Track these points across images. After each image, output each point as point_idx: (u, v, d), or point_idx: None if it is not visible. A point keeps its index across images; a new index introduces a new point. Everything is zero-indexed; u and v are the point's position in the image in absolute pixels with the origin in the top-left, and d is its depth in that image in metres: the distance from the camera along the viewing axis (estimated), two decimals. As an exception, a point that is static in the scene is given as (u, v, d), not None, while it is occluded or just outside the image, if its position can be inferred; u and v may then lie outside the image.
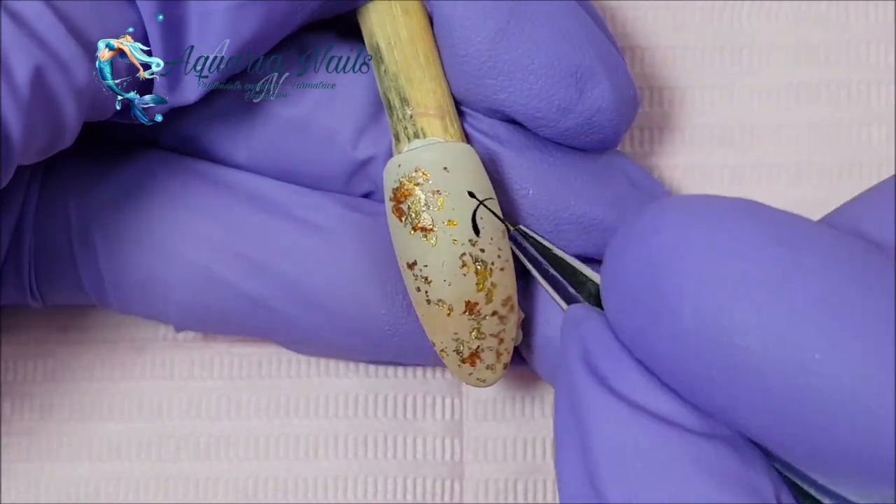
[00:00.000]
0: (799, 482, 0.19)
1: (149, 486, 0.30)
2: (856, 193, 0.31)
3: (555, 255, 0.25)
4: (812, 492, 0.19)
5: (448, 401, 0.30)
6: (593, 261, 0.27)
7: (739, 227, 0.18)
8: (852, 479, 0.17)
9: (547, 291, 0.24)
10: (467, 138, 0.27)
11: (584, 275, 0.24)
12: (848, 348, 0.16)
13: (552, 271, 0.24)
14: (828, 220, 0.20)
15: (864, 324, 0.17)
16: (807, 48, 0.31)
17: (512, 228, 0.26)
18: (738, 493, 0.18)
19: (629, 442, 0.19)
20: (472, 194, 0.25)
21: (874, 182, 0.31)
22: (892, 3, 0.31)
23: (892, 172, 0.30)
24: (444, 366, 0.29)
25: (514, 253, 0.26)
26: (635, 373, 0.20)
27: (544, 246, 0.25)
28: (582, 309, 0.22)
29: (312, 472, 0.30)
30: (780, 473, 0.19)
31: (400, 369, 0.30)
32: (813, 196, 0.31)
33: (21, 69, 0.22)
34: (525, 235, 0.25)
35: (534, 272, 0.25)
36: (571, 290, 0.24)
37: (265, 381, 0.31)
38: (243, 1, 0.24)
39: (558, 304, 0.24)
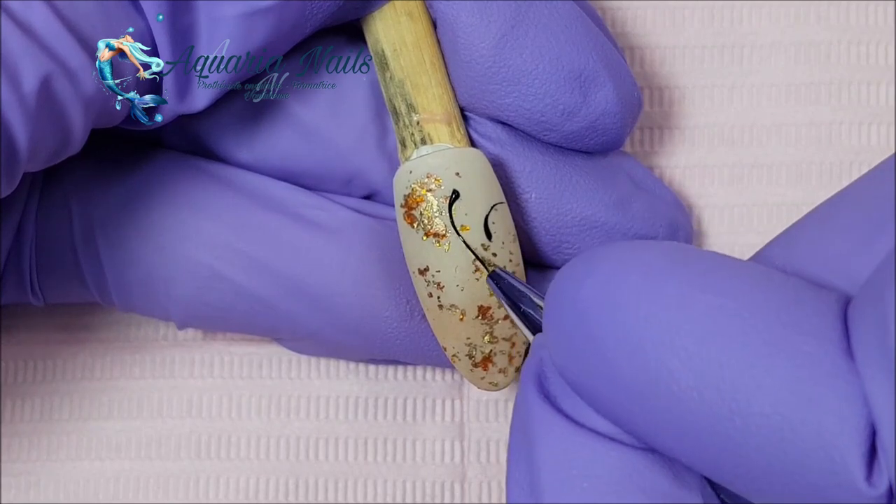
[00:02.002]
0: None
1: (149, 485, 0.30)
2: (856, 193, 0.31)
3: (528, 296, 0.25)
4: None
5: (449, 403, 0.30)
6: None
7: (665, 277, 0.18)
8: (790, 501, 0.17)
9: (521, 331, 0.25)
10: (472, 143, 0.27)
11: None
12: (774, 388, 0.17)
13: (526, 309, 0.25)
14: (759, 257, 0.20)
15: (791, 365, 0.17)
16: (807, 48, 0.31)
17: (490, 269, 0.26)
18: None
19: (570, 457, 0.19)
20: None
21: (874, 182, 0.31)
22: (893, 3, 0.31)
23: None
24: (445, 367, 0.29)
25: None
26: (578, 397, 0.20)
27: (519, 288, 0.25)
28: (543, 337, 0.22)
29: (313, 474, 0.30)
30: (715, 491, 0.20)
31: (401, 372, 0.30)
32: (813, 195, 0.31)
33: (29, 78, 0.22)
34: (502, 277, 0.25)
35: (510, 312, 0.25)
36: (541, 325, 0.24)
37: (265, 381, 0.31)
38: (254, 9, 0.24)
39: (528, 338, 0.25)
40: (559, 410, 0.20)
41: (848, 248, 0.19)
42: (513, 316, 0.25)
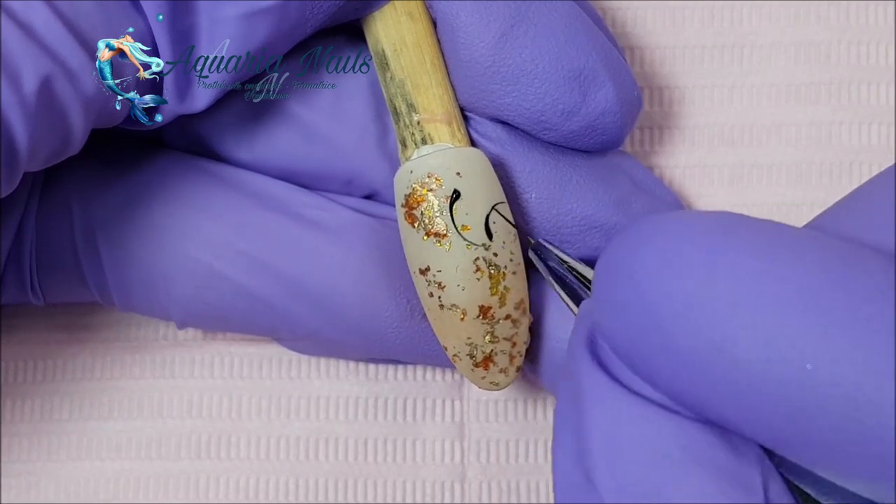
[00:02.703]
0: (799, 483, 0.19)
1: (149, 485, 0.30)
2: (856, 193, 0.31)
3: (573, 267, 0.25)
4: (811, 493, 0.19)
5: (449, 403, 0.30)
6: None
7: (724, 244, 0.18)
8: (857, 478, 0.17)
9: (566, 304, 0.25)
10: (472, 143, 0.27)
11: None
12: (845, 357, 0.16)
13: (571, 283, 0.24)
14: (813, 225, 0.20)
15: (858, 331, 0.17)
16: (807, 48, 0.31)
17: (533, 241, 0.26)
18: (722, 483, 0.18)
19: (623, 425, 0.19)
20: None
21: (874, 182, 0.31)
22: (893, 3, 0.31)
23: (893, 172, 0.30)
24: (445, 367, 0.29)
25: (534, 265, 0.26)
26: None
27: (563, 259, 0.25)
28: (592, 303, 0.22)
29: (313, 474, 0.30)
30: (777, 470, 0.19)
31: (401, 372, 0.30)
32: (813, 195, 0.31)
33: (29, 78, 0.22)
34: (545, 248, 0.25)
35: (554, 285, 0.25)
36: (585, 295, 0.24)
37: (265, 381, 0.31)
38: (254, 10, 0.24)
39: (571, 310, 0.24)
40: (612, 377, 0.20)
41: None
42: (556, 288, 0.25)
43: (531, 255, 0.26)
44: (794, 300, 0.17)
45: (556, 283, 0.25)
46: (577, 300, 0.24)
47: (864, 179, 0.31)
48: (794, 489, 0.19)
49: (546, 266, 0.25)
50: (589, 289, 0.24)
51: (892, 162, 0.30)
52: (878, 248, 0.18)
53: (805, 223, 0.31)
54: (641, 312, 0.18)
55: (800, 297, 0.17)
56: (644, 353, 0.19)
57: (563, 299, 0.25)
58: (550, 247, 0.25)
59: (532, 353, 0.27)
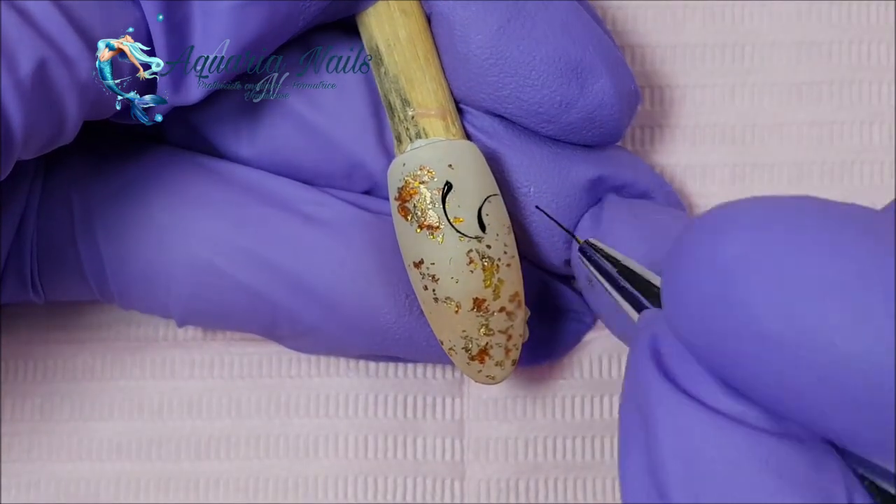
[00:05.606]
0: (887, 487, 0.18)
1: (149, 486, 0.30)
2: (856, 193, 0.31)
3: (626, 267, 0.24)
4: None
5: (449, 400, 0.30)
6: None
7: (814, 229, 0.17)
8: None
9: (618, 303, 0.23)
10: (468, 137, 0.27)
11: (655, 285, 0.23)
12: None
13: (623, 283, 0.23)
14: (888, 209, 0.19)
15: None
16: (808, 47, 0.31)
17: (581, 242, 0.25)
18: (806, 496, 0.17)
19: (697, 440, 0.18)
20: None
21: (875, 182, 0.31)
22: (893, 2, 0.31)
23: (893, 172, 0.30)
24: (444, 364, 0.29)
25: (584, 265, 0.25)
26: (705, 375, 0.19)
27: (615, 258, 0.24)
28: (654, 312, 0.22)
29: (313, 472, 0.30)
30: (861, 477, 0.18)
31: (401, 369, 0.30)
32: (814, 195, 0.31)
33: (25, 62, 0.22)
34: (595, 248, 0.24)
35: (605, 284, 0.24)
36: (644, 300, 0.23)
37: (265, 380, 0.31)
38: (246, 1, 0.24)
39: (629, 315, 0.23)
40: (682, 390, 0.19)
41: None
42: (609, 290, 0.24)
43: (578, 256, 0.25)
44: (889, 284, 0.16)
45: (611, 286, 0.24)
46: (632, 301, 0.23)
47: (865, 179, 0.31)
48: (861, 479, 0.19)
49: (596, 267, 0.24)
50: (645, 292, 0.23)
51: (893, 162, 0.30)
52: None
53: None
54: (729, 303, 0.17)
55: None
56: (729, 347, 0.18)
57: (619, 306, 0.23)
58: (601, 245, 0.24)
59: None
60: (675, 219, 0.28)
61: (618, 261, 0.24)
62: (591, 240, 0.25)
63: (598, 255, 0.24)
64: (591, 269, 0.24)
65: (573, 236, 0.26)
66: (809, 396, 0.17)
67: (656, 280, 0.23)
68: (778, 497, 0.17)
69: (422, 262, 0.25)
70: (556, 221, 0.26)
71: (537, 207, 0.25)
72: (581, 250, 0.25)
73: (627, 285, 0.23)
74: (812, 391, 0.17)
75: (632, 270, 0.23)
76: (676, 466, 0.18)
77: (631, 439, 0.20)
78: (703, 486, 0.18)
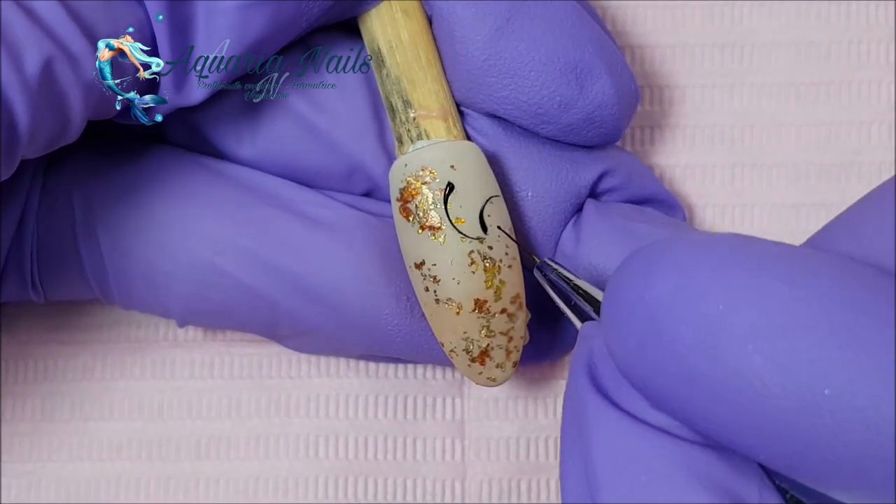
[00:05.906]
0: (798, 496, 0.19)
1: (149, 486, 0.30)
2: (856, 193, 0.31)
3: (579, 286, 0.24)
4: (797, 495, 0.19)
5: (450, 401, 0.30)
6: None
7: (738, 269, 0.18)
8: (873, 499, 0.17)
9: (572, 322, 0.24)
10: (468, 139, 0.27)
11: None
12: (867, 382, 0.16)
13: (576, 299, 0.24)
14: (812, 243, 0.20)
15: (880, 356, 0.16)
16: (807, 47, 0.31)
17: (538, 261, 0.25)
18: (723, 499, 0.18)
19: (625, 448, 0.19)
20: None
21: (874, 182, 0.31)
22: (893, 2, 0.31)
23: (893, 172, 0.30)
24: (445, 365, 0.29)
25: (539, 283, 0.26)
26: (633, 390, 0.20)
27: (568, 278, 0.25)
28: (593, 327, 0.22)
29: (313, 473, 0.30)
30: (782, 490, 0.19)
31: (401, 370, 0.30)
32: (813, 195, 0.31)
33: (31, 60, 0.22)
34: (550, 268, 0.25)
35: (559, 303, 0.25)
36: (593, 314, 0.24)
37: (265, 381, 0.31)
38: (250, 1, 0.24)
39: (575, 325, 0.24)
40: (613, 403, 0.20)
41: None
42: (563, 308, 0.24)
43: (536, 274, 0.25)
44: (811, 323, 0.17)
45: (563, 302, 0.24)
46: (584, 319, 0.24)
47: (865, 179, 0.31)
48: (782, 491, 0.19)
49: (551, 285, 0.25)
50: (596, 309, 0.24)
51: (893, 162, 0.30)
52: (885, 269, 0.18)
53: (805, 223, 0.31)
54: (656, 338, 0.18)
55: (819, 320, 0.17)
56: (658, 378, 0.19)
57: (570, 320, 0.24)
58: (556, 265, 0.25)
59: None
60: (656, 227, 0.28)
61: (570, 280, 0.25)
62: (547, 259, 0.25)
63: (554, 273, 0.25)
64: (547, 286, 0.25)
65: (532, 256, 0.26)
66: (732, 430, 0.18)
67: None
68: (694, 498, 0.18)
69: (423, 263, 0.25)
70: (516, 242, 0.26)
71: (498, 227, 0.25)
72: (538, 268, 0.25)
73: (580, 301, 0.24)
74: (735, 426, 0.18)
75: (584, 290, 0.24)
76: (606, 471, 0.19)
77: (569, 444, 0.21)
78: (629, 490, 0.19)
